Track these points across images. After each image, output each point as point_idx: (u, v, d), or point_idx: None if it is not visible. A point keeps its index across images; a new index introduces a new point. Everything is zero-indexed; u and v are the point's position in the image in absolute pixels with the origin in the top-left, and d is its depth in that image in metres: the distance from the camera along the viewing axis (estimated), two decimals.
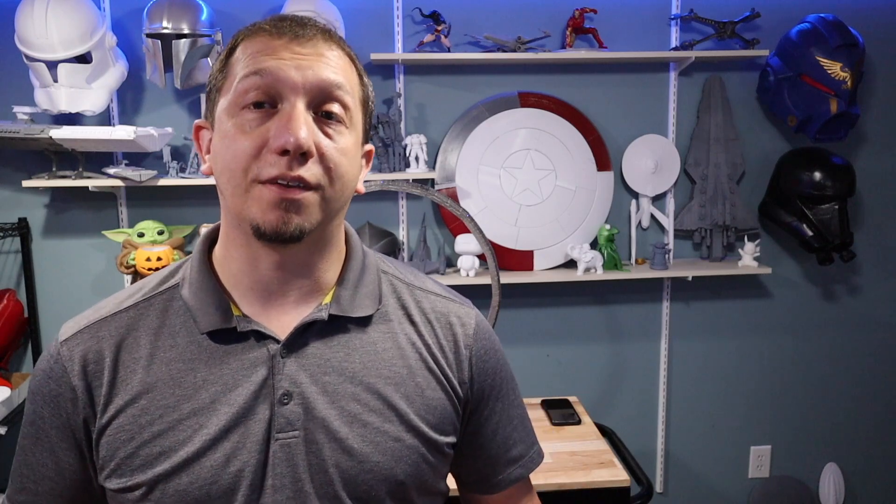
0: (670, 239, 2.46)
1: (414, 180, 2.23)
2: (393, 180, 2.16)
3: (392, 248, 2.32)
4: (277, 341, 0.75)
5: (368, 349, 0.78)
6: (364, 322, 0.79)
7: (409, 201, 2.40)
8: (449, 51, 2.24)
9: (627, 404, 2.57)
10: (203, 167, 0.78)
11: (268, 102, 0.70)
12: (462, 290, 2.41)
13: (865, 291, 2.60)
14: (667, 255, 2.36)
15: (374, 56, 2.18)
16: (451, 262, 2.40)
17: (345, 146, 0.73)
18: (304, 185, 0.69)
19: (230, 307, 0.76)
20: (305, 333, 0.76)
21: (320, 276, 0.78)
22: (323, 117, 0.71)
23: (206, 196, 2.30)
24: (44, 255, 2.30)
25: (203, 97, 2.22)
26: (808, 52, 2.24)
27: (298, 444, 0.73)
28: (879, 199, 2.55)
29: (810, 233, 2.36)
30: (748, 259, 2.38)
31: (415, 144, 2.26)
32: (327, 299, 0.78)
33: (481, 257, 2.26)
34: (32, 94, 2.08)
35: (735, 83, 2.43)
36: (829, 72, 2.22)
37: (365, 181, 2.03)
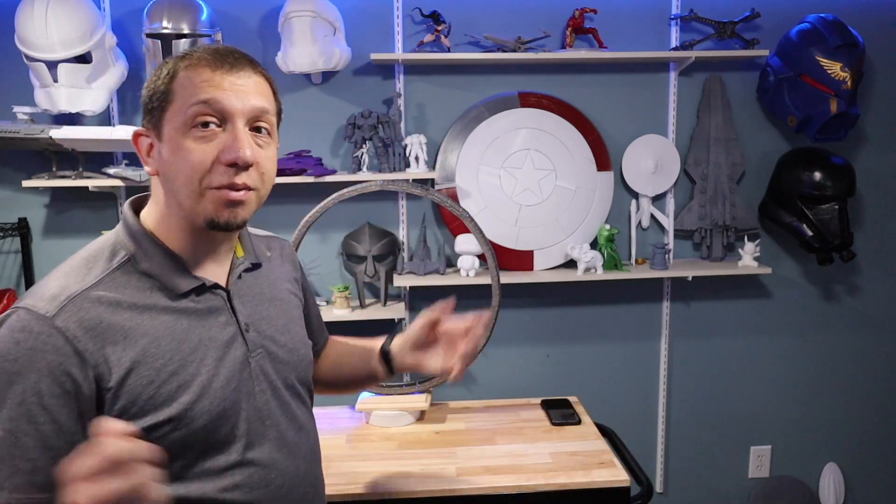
0: (670, 239, 2.46)
1: (414, 180, 2.23)
2: (393, 180, 2.16)
3: (392, 247, 2.32)
4: (224, 289, 1.01)
5: (268, 281, 1.11)
6: (260, 265, 1.10)
7: (409, 201, 2.40)
8: (449, 51, 2.24)
9: (627, 404, 2.57)
10: (148, 169, 0.96)
11: (214, 123, 0.91)
12: (462, 290, 2.42)
13: (865, 291, 2.60)
14: (667, 255, 2.36)
15: (374, 56, 2.18)
16: (451, 262, 2.40)
17: (271, 154, 0.98)
18: (246, 188, 0.92)
19: (188, 268, 0.97)
20: (238, 280, 1.04)
21: (235, 242, 1.06)
22: (254, 132, 0.94)
23: None
24: (44, 255, 2.30)
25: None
26: (808, 52, 2.24)
27: (264, 356, 1.03)
28: (879, 199, 2.55)
29: (810, 233, 2.36)
30: (748, 259, 2.38)
31: (415, 144, 2.25)
32: (241, 253, 1.07)
33: (481, 257, 2.26)
34: (32, 94, 2.08)
35: (735, 83, 2.43)
36: (829, 72, 2.22)
37: (365, 181, 2.05)
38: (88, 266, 0.94)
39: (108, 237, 0.99)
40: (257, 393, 1.01)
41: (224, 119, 0.91)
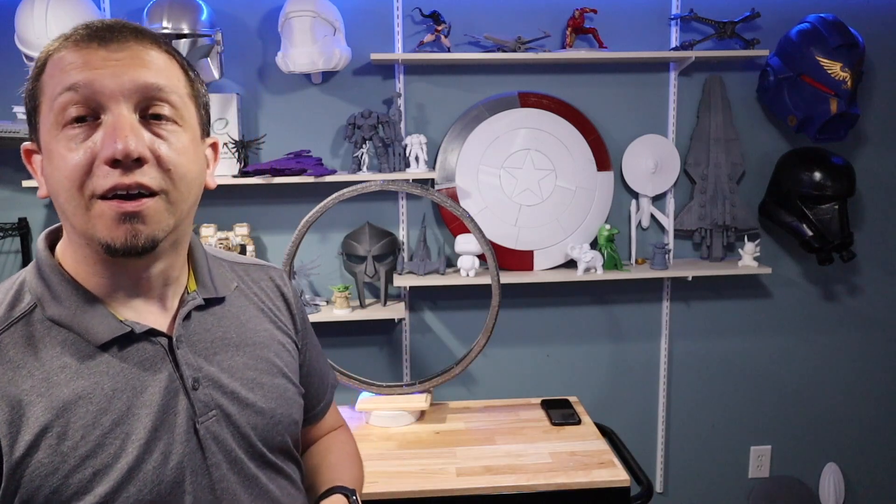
0: (670, 239, 2.46)
1: (414, 180, 2.23)
2: (393, 180, 2.16)
3: (392, 248, 2.32)
4: (166, 336, 0.78)
5: (236, 321, 0.86)
6: (222, 301, 0.86)
7: (409, 201, 2.40)
8: (449, 51, 2.24)
9: (627, 404, 2.57)
10: (39, 191, 0.75)
11: (89, 115, 0.69)
12: (462, 290, 2.41)
13: (865, 291, 2.60)
14: (667, 255, 2.36)
15: (374, 56, 2.18)
16: (451, 262, 2.40)
17: (181, 145, 0.73)
18: (146, 191, 0.69)
19: (113, 315, 0.75)
20: (185, 321, 0.80)
21: (177, 272, 0.81)
22: (152, 119, 0.71)
23: (206, 196, 2.28)
24: None
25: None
26: (808, 52, 2.24)
27: (218, 421, 0.79)
28: (879, 199, 2.55)
29: (810, 233, 2.36)
30: (748, 259, 2.38)
31: (415, 144, 2.26)
32: (192, 287, 0.83)
33: (481, 257, 2.26)
34: None
35: (735, 83, 2.43)
36: (829, 72, 2.22)
37: (365, 181, 2.05)
38: None
39: (18, 277, 0.78)
40: (210, 468, 0.77)
41: (100, 106, 0.69)
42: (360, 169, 2.25)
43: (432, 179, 2.33)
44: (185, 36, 2.03)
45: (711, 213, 2.43)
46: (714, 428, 2.63)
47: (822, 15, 2.29)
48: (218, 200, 2.30)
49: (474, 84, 2.36)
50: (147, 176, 0.69)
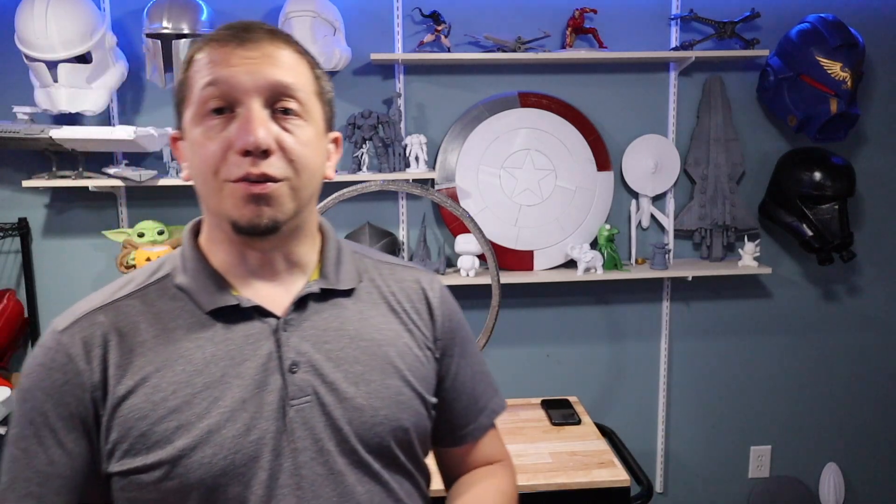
0: (670, 239, 2.46)
1: (414, 180, 2.23)
2: (393, 180, 2.16)
3: (392, 248, 2.32)
4: (276, 316, 0.81)
5: (359, 316, 0.87)
6: (349, 294, 0.88)
7: (409, 201, 2.40)
8: (449, 51, 2.24)
9: (627, 404, 2.57)
10: (182, 174, 0.84)
11: (227, 108, 0.76)
12: (462, 289, 2.41)
13: (865, 291, 2.60)
14: (667, 255, 2.36)
15: (374, 56, 2.18)
16: (451, 262, 2.40)
17: (306, 138, 0.79)
18: (270, 179, 0.76)
19: (229, 287, 0.82)
20: (300, 307, 0.83)
21: (301, 258, 0.86)
22: (281, 113, 0.78)
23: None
24: (44, 255, 2.30)
25: None
26: (808, 52, 2.24)
27: (312, 407, 0.80)
28: (879, 199, 2.55)
29: (810, 233, 2.36)
30: (748, 259, 2.38)
31: (415, 144, 2.25)
32: (314, 276, 0.87)
33: (481, 257, 2.26)
34: (32, 94, 2.08)
35: (735, 83, 2.43)
36: (829, 72, 2.22)
37: (365, 181, 2.05)
38: (129, 279, 0.85)
39: (166, 256, 0.88)
40: (293, 452, 0.79)
41: (236, 101, 0.76)
42: (360, 169, 2.25)
43: (432, 179, 2.33)
44: (185, 36, 2.03)
45: (711, 213, 2.43)
46: (714, 428, 2.63)
47: (822, 15, 2.29)
48: None
49: (474, 84, 2.36)
50: (273, 167, 0.76)
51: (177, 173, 2.20)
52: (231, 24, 0.79)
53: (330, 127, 0.88)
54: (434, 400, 0.91)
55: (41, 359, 0.78)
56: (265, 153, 0.75)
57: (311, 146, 0.80)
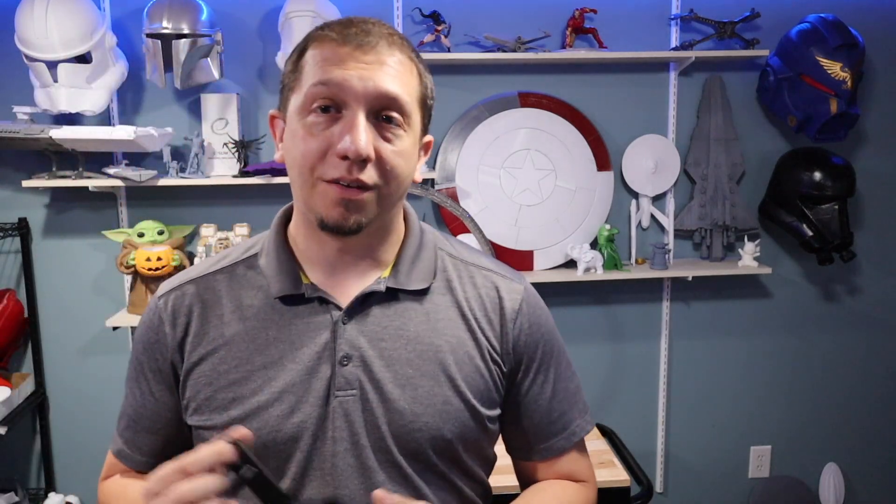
0: (670, 239, 2.46)
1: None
2: None
3: None
4: (340, 308, 0.84)
5: (423, 318, 0.86)
6: (419, 294, 0.87)
7: (409, 201, 2.39)
8: (449, 51, 2.24)
9: (627, 404, 2.57)
10: (276, 155, 0.87)
11: (333, 107, 0.78)
12: None
13: (865, 291, 2.60)
14: (667, 255, 2.36)
15: None
16: None
17: (402, 148, 0.80)
18: (362, 186, 0.77)
19: (300, 275, 0.86)
20: (365, 303, 0.85)
21: (379, 255, 0.88)
22: (384, 121, 0.79)
23: (206, 196, 2.30)
24: (44, 255, 2.30)
25: (203, 97, 2.22)
26: (808, 52, 2.24)
27: (355, 401, 0.82)
28: (879, 199, 2.55)
29: (810, 233, 2.36)
30: (748, 259, 2.38)
31: None
32: (386, 274, 0.87)
33: None
34: (32, 94, 2.08)
35: (735, 83, 2.43)
36: (829, 72, 2.22)
37: None
38: (226, 254, 0.92)
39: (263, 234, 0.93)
40: (331, 440, 0.81)
41: (343, 103, 0.77)
42: None
43: (432, 179, 2.33)
44: (185, 36, 2.03)
45: (711, 213, 2.43)
46: (714, 428, 2.63)
47: (822, 15, 2.29)
48: (218, 200, 2.30)
49: (474, 84, 2.36)
50: (367, 174, 0.77)
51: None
52: (352, 21, 0.80)
53: (426, 130, 0.89)
54: (492, 413, 0.89)
55: (144, 317, 0.90)
56: (363, 161, 0.77)
57: (405, 155, 0.81)
